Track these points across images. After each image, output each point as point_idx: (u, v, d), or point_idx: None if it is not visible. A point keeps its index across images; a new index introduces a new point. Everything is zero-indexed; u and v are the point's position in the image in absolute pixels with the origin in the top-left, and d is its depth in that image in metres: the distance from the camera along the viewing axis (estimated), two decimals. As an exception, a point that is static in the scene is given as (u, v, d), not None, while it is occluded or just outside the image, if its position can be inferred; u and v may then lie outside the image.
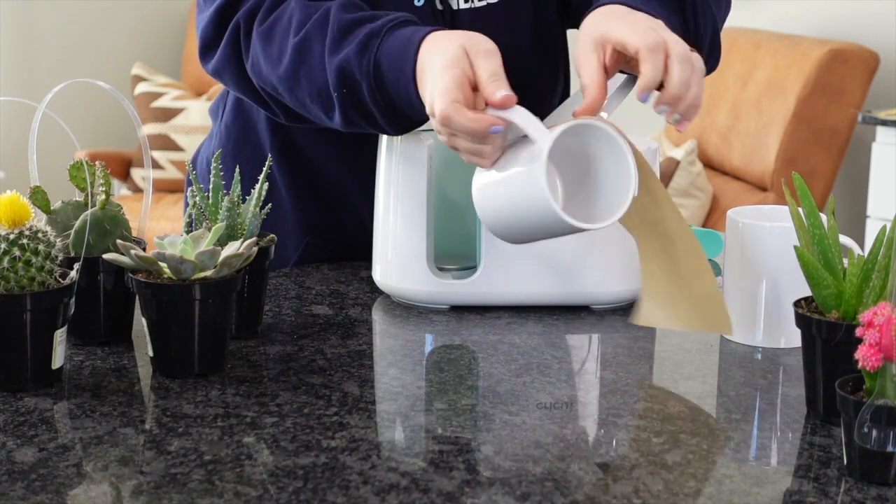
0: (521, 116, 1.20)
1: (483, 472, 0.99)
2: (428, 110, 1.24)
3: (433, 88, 1.23)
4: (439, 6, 1.47)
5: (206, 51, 1.44)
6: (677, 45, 1.24)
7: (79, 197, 1.30)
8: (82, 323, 1.26)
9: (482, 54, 1.23)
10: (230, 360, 1.23)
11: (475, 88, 1.22)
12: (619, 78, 1.33)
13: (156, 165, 4.31)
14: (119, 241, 1.21)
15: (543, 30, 1.55)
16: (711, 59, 1.44)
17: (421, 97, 1.27)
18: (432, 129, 1.33)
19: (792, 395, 1.16)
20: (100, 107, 4.43)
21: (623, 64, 1.28)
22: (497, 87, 1.20)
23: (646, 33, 1.24)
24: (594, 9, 1.32)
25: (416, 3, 1.45)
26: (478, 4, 1.48)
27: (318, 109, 1.36)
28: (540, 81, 1.57)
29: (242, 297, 1.29)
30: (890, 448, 0.95)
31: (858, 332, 0.96)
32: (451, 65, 1.22)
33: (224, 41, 1.41)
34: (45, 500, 0.94)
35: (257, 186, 1.31)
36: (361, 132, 1.38)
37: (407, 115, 1.31)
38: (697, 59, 1.26)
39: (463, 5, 1.48)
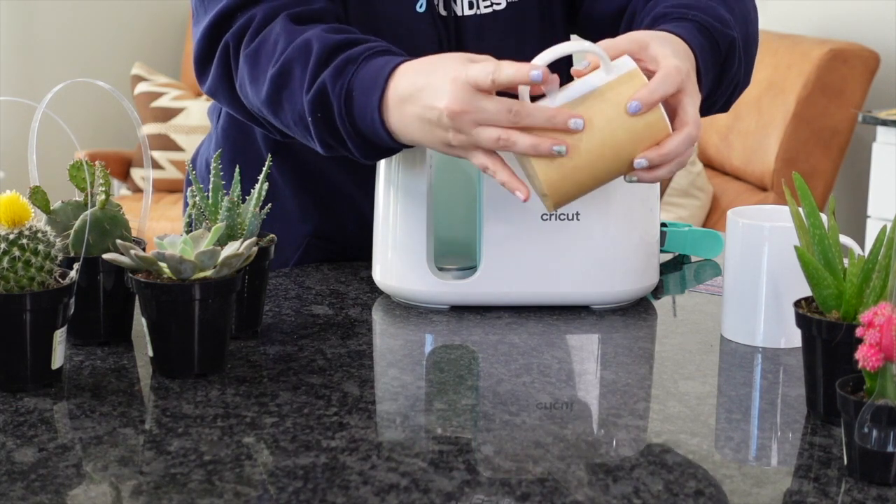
0: (553, 49, 1.18)
1: (483, 472, 0.99)
2: (435, 116, 1.21)
3: (428, 88, 1.21)
4: (443, 12, 1.46)
5: (200, 68, 1.44)
6: (697, 124, 1.23)
7: (79, 197, 1.30)
8: (82, 323, 1.26)
9: (471, 59, 1.21)
10: (230, 360, 1.23)
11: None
12: None
13: (156, 165, 4.31)
14: (119, 241, 1.20)
15: (549, 35, 1.54)
16: (716, 109, 1.45)
17: (387, 127, 1.26)
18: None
19: (792, 395, 1.16)
20: (100, 107, 4.43)
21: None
22: (524, 68, 1.17)
23: (679, 65, 1.22)
24: (659, 25, 1.31)
25: (418, 9, 1.45)
26: (483, 11, 1.48)
27: (299, 133, 1.35)
28: None
29: (242, 297, 1.29)
30: (890, 448, 0.95)
31: (859, 332, 0.96)
32: (439, 63, 1.21)
33: (215, 61, 1.41)
34: (44, 500, 0.94)
35: (257, 186, 1.31)
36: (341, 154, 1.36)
37: (373, 143, 1.30)
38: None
39: (468, 11, 1.47)
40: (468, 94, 1.19)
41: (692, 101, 1.22)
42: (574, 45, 1.20)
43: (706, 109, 1.40)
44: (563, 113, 1.18)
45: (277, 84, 1.33)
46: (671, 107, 1.23)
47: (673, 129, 1.21)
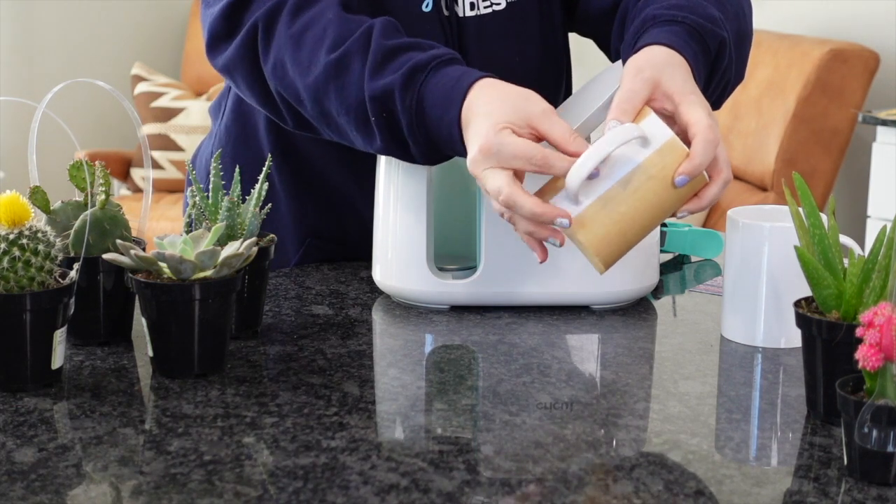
0: (600, 147, 1.18)
1: (483, 472, 0.99)
2: (483, 184, 1.23)
3: (473, 127, 1.22)
4: (445, 12, 1.46)
5: (214, 45, 1.41)
6: (728, 165, 1.25)
7: (79, 197, 1.30)
8: (82, 323, 1.26)
9: (543, 116, 1.21)
10: (230, 360, 1.23)
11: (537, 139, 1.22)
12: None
13: (156, 165, 4.31)
14: (119, 241, 1.20)
15: (548, 35, 1.54)
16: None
17: (465, 142, 1.25)
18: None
19: (792, 395, 1.16)
20: (100, 107, 4.43)
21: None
22: (578, 143, 1.20)
23: (711, 121, 1.23)
24: (654, 43, 1.30)
25: (424, 8, 1.45)
26: (483, 11, 1.48)
27: (347, 121, 1.34)
28: (545, 86, 1.56)
29: (242, 297, 1.29)
30: (890, 448, 0.95)
31: (859, 332, 0.96)
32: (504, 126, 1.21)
33: (239, 40, 1.38)
34: (44, 500, 0.94)
35: (257, 186, 1.31)
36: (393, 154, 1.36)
37: (443, 152, 1.30)
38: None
39: (469, 13, 1.48)
40: (484, 160, 1.21)
41: (723, 145, 1.24)
42: (616, 137, 1.19)
43: None
44: (550, 213, 1.20)
45: (330, 75, 1.32)
46: None
47: (709, 176, 1.23)
